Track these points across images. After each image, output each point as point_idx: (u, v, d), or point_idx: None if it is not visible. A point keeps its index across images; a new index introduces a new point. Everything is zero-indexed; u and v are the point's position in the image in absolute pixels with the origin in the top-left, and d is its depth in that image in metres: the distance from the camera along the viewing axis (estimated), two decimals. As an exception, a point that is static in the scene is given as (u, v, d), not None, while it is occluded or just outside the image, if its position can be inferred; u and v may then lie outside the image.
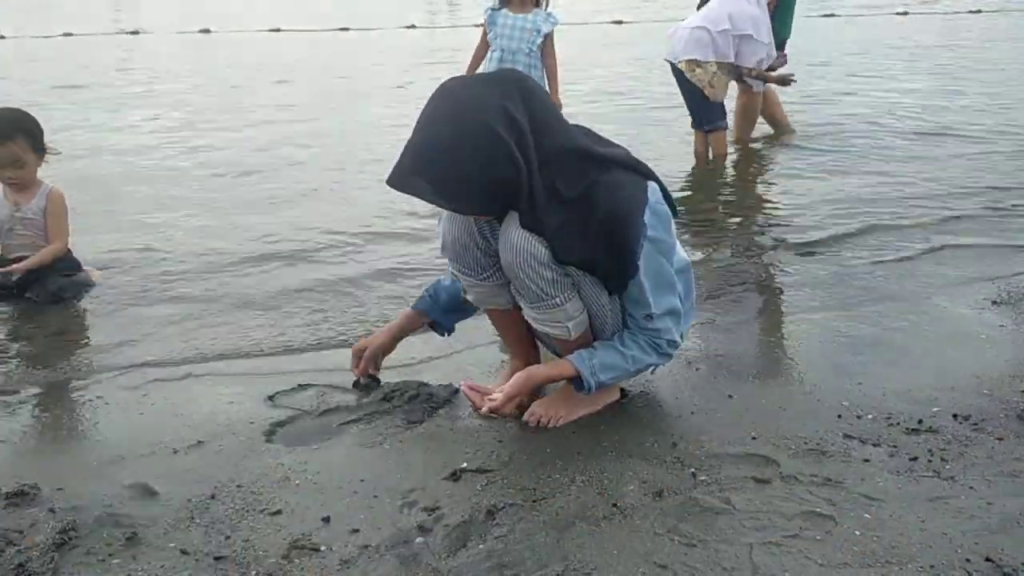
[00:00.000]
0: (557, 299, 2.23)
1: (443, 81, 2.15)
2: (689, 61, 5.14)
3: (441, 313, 2.61)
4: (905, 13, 13.77)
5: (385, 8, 17.34)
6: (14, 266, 3.41)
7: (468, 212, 2.20)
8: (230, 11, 17.64)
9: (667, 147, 5.77)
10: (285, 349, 2.97)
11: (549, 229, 2.14)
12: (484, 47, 5.00)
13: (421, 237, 4.07)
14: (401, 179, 2.07)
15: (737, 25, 5.09)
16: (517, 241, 2.16)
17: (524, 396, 2.36)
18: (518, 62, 4.82)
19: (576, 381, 2.30)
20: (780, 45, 5.51)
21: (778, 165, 5.39)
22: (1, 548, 1.85)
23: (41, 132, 3.54)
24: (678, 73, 5.25)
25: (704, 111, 5.29)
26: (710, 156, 5.41)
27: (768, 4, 5.21)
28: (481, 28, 5.14)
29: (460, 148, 2.02)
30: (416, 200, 2.20)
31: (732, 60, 5.14)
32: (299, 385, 2.64)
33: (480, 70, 4.90)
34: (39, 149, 3.51)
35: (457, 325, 2.68)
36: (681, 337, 2.39)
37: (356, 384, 2.63)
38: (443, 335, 2.70)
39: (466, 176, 2.03)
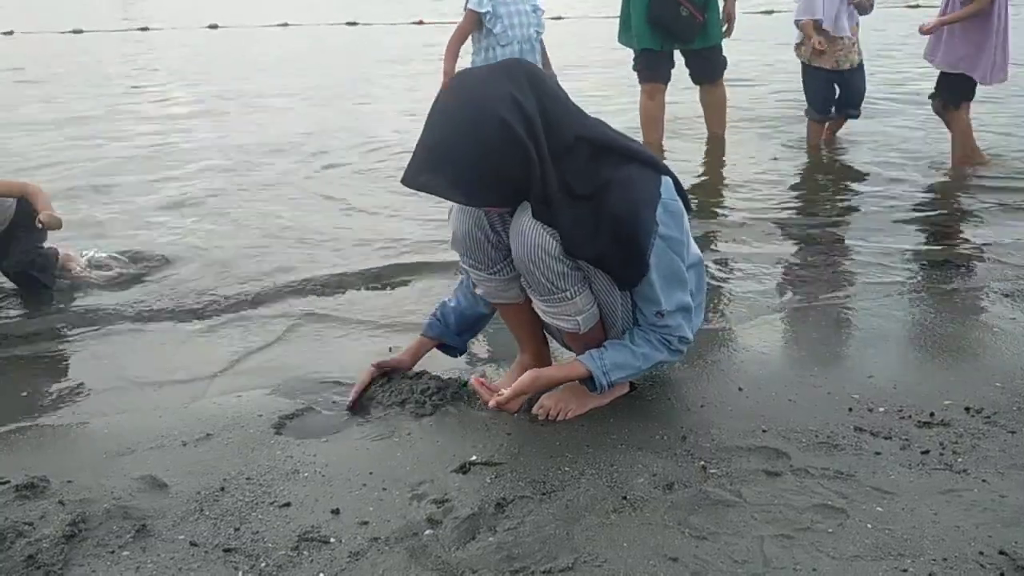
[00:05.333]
0: (567, 292, 2.21)
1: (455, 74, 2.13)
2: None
3: (454, 336, 2.58)
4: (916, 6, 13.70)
5: (392, 5, 17.32)
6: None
7: (481, 204, 2.18)
8: (236, 7, 17.66)
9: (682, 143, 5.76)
10: (292, 340, 2.98)
11: (560, 225, 2.12)
12: (463, 39, 4.58)
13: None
14: (415, 177, 2.05)
15: None
16: (528, 233, 2.14)
17: (531, 394, 2.35)
18: (536, 50, 4.54)
19: (588, 381, 2.29)
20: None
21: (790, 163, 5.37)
22: (12, 540, 1.85)
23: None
24: None
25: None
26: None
27: None
28: (470, 15, 4.54)
29: (470, 140, 2.00)
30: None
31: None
32: (308, 378, 2.64)
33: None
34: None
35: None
36: (692, 333, 2.37)
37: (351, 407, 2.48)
38: (455, 356, 2.64)
39: (477, 168, 2.02)
